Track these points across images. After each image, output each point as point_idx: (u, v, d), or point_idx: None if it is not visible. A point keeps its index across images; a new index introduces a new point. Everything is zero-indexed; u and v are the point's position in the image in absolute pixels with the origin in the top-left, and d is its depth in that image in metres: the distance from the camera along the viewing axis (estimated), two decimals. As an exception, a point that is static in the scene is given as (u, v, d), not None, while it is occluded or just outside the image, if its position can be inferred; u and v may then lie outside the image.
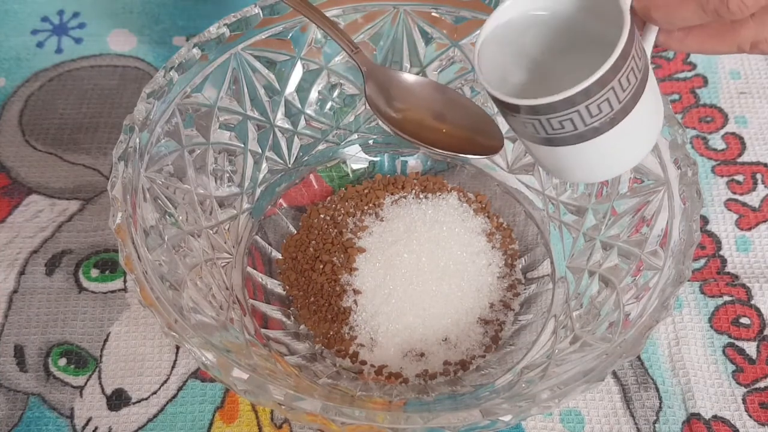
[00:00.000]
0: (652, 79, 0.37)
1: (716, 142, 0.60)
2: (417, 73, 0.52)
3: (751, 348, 0.51)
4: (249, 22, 0.48)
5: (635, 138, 0.38)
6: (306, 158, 0.55)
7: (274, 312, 0.50)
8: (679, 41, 0.37)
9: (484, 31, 0.39)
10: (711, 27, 0.36)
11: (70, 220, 0.56)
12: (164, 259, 0.42)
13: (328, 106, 0.54)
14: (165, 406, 0.49)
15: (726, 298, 0.53)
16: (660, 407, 0.48)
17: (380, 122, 0.45)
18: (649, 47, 0.37)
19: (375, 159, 0.57)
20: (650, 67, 0.37)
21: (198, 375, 0.50)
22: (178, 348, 0.50)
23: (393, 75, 0.46)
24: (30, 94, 0.62)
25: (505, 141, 0.53)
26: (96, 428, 0.48)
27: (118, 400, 0.49)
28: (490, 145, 0.45)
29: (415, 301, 0.50)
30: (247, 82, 0.50)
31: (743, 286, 0.53)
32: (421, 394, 0.46)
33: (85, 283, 0.53)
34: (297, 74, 0.52)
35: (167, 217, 0.45)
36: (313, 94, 0.53)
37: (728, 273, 0.54)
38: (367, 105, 0.54)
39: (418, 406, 0.45)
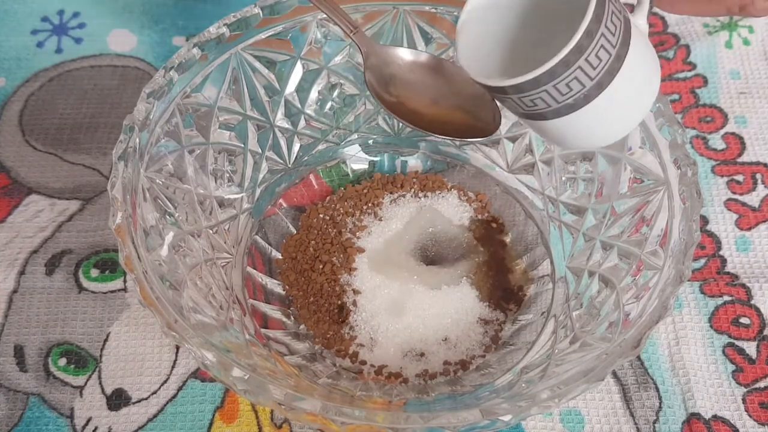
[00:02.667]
0: (636, 48, 0.37)
1: (716, 142, 0.60)
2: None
3: (751, 348, 0.51)
4: (249, 22, 0.48)
5: (620, 109, 0.38)
6: (306, 158, 0.55)
7: (274, 312, 0.50)
8: (671, 4, 0.37)
9: (464, 11, 0.39)
10: None
11: (70, 220, 0.56)
12: (164, 259, 0.42)
13: (328, 106, 0.54)
14: (165, 406, 0.49)
15: (726, 298, 0.53)
16: (660, 407, 0.48)
17: (378, 102, 0.44)
18: (643, 13, 0.37)
19: (375, 159, 0.57)
20: (638, 34, 0.37)
21: (198, 375, 0.50)
22: (178, 348, 0.50)
23: (392, 54, 0.45)
24: (30, 94, 0.62)
25: (505, 141, 0.53)
26: (96, 428, 0.48)
27: (118, 400, 0.49)
28: (487, 127, 0.44)
29: (414, 301, 0.50)
30: (247, 82, 0.50)
31: (743, 286, 0.53)
32: (421, 394, 0.46)
33: (85, 283, 0.53)
34: (297, 74, 0.52)
35: (167, 217, 0.45)
36: (313, 94, 0.53)
37: (728, 273, 0.54)
38: (365, 104, 0.54)
39: (418, 406, 0.45)
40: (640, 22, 0.39)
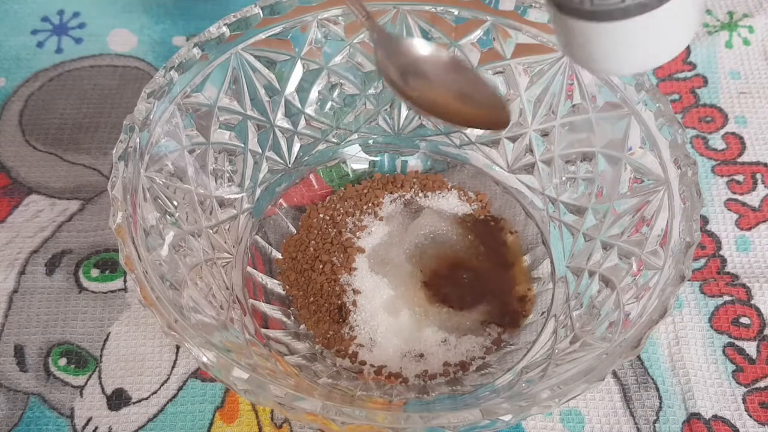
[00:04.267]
0: None
1: (716, 142, 0.60)
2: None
3: (751, 348, 0.51)
4: (249, 22, 0.48)
5: (679, 24, 0.36)
6: (306, 158, 0.55)
7: (274, 312, 0.50)
8: None
9: None
10: None
11: (70, 220, 0.56)
12: (164, 259, 0.42)
13: (328, 106, 0.54)
14: (165, 405, 0.49)
15: (726, 297, 0.53)
16: (660, 407, 0.48)
17: (390, 90, 0.44)
18: None
19: (375, 159, 0.57)
20: None
21: (198, 375, 0.50)
22: (178, 348, 0.50)
23: (404, 43, 0.45)
24: (30, 94, 0.62)
25: (505, 141, 0.53)
26: (96, 428, 0.48)
27: (118, 399, 0.49)
28: (498, 120, 0.44)
29: (414, 301, 0.50)
30: (247, 82, 0.50)
31: (743, 285, 0.53)
32: (421, 394, 0.46)
33: (85, 283, 0.53)
34: (297, 74, 0.52)
35: (167, 217, 0.45)
36: (313, 94, 0.53)
37: (728, 273, 0.54)
38: (365, 104, 0.54)
39: (418, 405, 0.45)
40: None
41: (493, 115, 0.44)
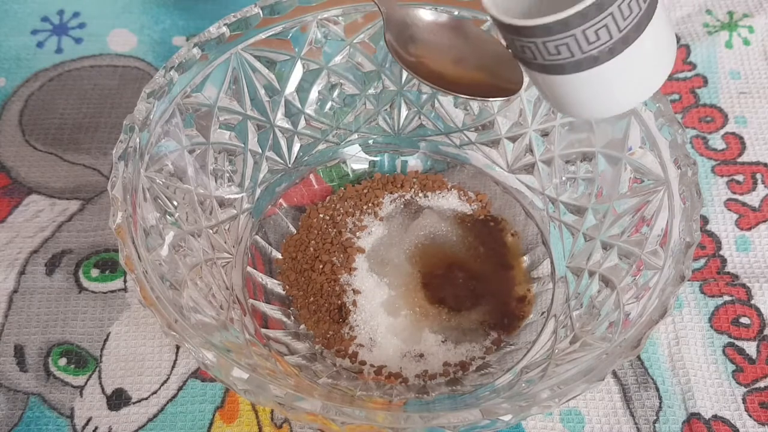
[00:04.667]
0: (660, 13, 0.36)
1: (716, 142, 0.60)
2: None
3: (751, 348, 0.51)
4: (249, 22, 0.48)
5: (637, 73, 0.37)
6: (306, 158, 0.55)
7: (274, 312, 0.50)
8: None
9: None
10: None
11: (70, 220, 0.56)
12: (164, 259, 0.42)
13: (328, 106, 0.54)
14: (165, 405, 0.49)
15: (726, 297, 0.53)
16: (660, 407, 0.48)
17: (399, 63, 0.43)
18: None
19: (375, 159, 0.57)
20: (661, 1, 0.36)
21: (198, 375, 0.50)
22: (178, 348, 0.50)
23: (413, 14, 0.44)
24: (30, 94, 0.62)
25: (505, 141, 0.53)
26: (96, 428, 0.48)
27: (118, 399, 0.49)
28: (510, 87, 0.42)
29: (414, 301, 0.50)
30: (247, 82, 0.50)
31: (743, 285, 0.53)
32: (421, 394, 0.46)
33: (85, 283, 0.53)
34: (297, 74, 0.52)
35: (167, 217, 0.45)
36: (313, 94, 0.53)
37: (728, 273, 0.54)
38: (365, 104, 0.54)
39: (418, 406, 0.45)
40: None
41: (507, 78, 0.43)
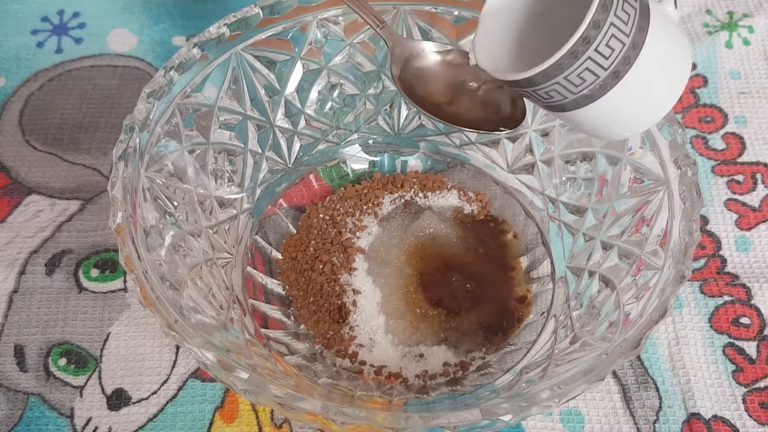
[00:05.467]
0: (657, 35, 0.36)
1: (716, 142, 0.60)
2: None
3: (751, 348, 0.51)
4: (249, 22, 0.48)
5: (643, 96, 0.37)
6: (306, 158, 0.55)
7: (274, 312, 0.50)
8: None
9: (485, 7, 0.40)
10: None
11: (70, 220, 0.56)
12: (164, 259, 0.42)
13: (328, 106, 0.54)
14: (165, 405, 0.49)
15: (726, 298, 0.53)
16: (660, 407, 0.48)
17: (403, 96, 0.44)
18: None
19: (375, 159, 0.57)
20: (661, 20, 0.36)
21: (198, 375, 0.50)
22: (178, 348, 0.50)
23: (418, 48, 0.45)
24: (30, 94, 0.62)
25: (505, 141, 0.53)
26: (96, 428, 0.48)
27: (118, 399, 0.49)
28: (514, 119, 0.44)
29: (414, 301, 0.50)
30: (247, 82, 0.50)
31: (743, 286, 0.53)
32: (421, 394, 0.46)
33: (85, 283, 0.53)
34: (297, 74, 0.52)
35: (167, 217, 0.45)
36: (313, 94, 0.53)
37: (728, 273, 0.54)
38: (365, 104, 0.54)
39: (418, 406, 0.45)
40: (668, 8, 0.38)
41: (511, 109, 0.44)
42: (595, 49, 0.34)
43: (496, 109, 0.44)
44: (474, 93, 0.45)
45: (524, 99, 0.42)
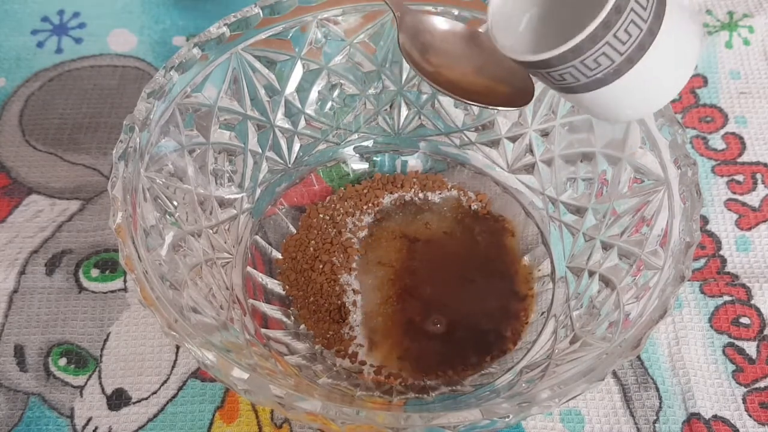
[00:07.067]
0: (672, 22, 0.36)
1: (716, 142, 0.60)
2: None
3: (751, 348, 0.51)
4: (249, 22, 0.48)
5: (654, 82, 0.37)
6: (306, 158, 0.55)
7: (274, 312, 0.50)
8: None
9: None
10: None
11: (70, 220, 0.56)
12: (164, 259, 0.42)
13: (328, 106, 0.54)
14: (165, 405, 0.49)
15: (726, 297, 0.53)
16: (660, 407, 0.48)
17: (413, 70, 0.44)
18: None
19: (375, 159, 0.57)
20: (676, 7, 0.36)
21: (198, 375, 0.50)
22: (178, 348, 0.51)
23: (427, 21, 0.45)
24: (30, 94, 0.62)
25: (505, 141, 0.53)
26: (96, 428, 0.48)
27: (118, 399, 0.49)
28: (522, 97, 0.43)
29: (414, 301, 0.50)
30: (247, 82, 0.50)
31: (743, 286, 0.53)
32: (421, 394, 0.46)
33: (85, 283, 0.53)
34: (297, 74, 0.52)
35: (167, 217, 0.45)
36: (313, 94, 0.53)
37: (728, 273, 0.54)
38: (365, 104, 0.54)
39: (418, 406, 0.45)
40: None
41: (518, 87, 0.43)
42: (614, 35, 0.34)
43: (505, 86, 0.43)
44: (482, 69, 0.44)
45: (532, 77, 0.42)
